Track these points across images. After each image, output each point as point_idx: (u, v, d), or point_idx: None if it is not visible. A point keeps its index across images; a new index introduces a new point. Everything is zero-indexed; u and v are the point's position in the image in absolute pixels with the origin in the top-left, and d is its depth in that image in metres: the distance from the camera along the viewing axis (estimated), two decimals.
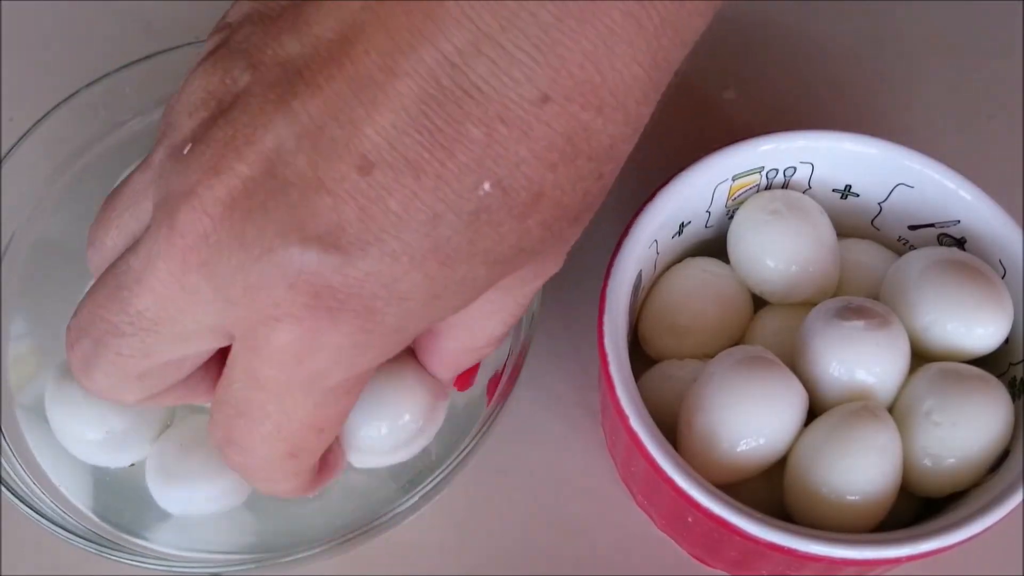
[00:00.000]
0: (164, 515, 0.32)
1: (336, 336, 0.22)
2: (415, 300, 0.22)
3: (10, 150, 0.35)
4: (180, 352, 0.24)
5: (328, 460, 0.28)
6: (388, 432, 0.29)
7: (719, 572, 0.35)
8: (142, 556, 0.31)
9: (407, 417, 0.29)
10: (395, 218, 0.21)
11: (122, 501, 0.33)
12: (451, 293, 0.22)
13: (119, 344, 0.24)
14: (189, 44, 0.38)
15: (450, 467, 0.31)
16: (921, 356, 0.32)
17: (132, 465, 0.33)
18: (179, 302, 0.23)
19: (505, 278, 0.24)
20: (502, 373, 0.32)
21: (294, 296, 0.21)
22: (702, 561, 0.35)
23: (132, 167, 0.34)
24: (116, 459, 0.32)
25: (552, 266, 0.25)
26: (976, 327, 0.32)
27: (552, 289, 0.38)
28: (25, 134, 0.36)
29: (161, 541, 0.33)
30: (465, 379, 0.30)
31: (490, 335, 0.27)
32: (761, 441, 0.30)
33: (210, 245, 0.22)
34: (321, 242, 0.21)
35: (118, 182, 0.34)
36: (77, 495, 0.33)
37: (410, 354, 0.29)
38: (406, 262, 0.21)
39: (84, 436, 0.32)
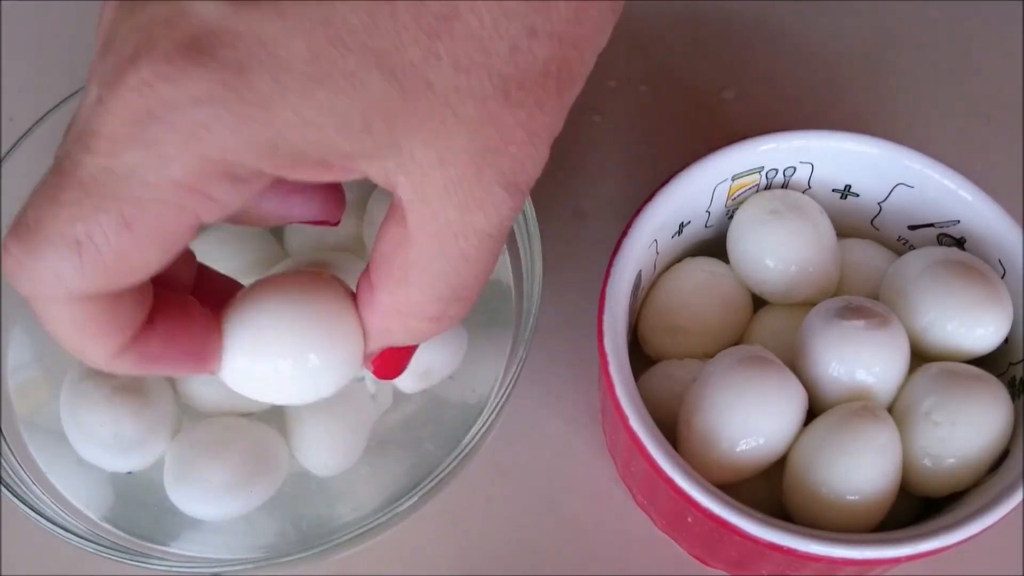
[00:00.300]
0: (174, 518, 0.32)
1: (197, 84, 0.20)
2: (291, 75, 0.20)
3: (10, 150, 0.36)
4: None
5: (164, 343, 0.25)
6: (291, 369, 0.26)
7: (719, 572, 0.35)
8: (142, 556, 0.31)
9: (312, 357, 0.26)
10: None
11: (135, 505, 0.33)
12: (333, 86, 0.20)
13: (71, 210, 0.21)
14: None
15: (450, 467, 0.31)
16: (921, 356, 0.32)
17: (129, 473, 0.33)
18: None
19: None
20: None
21: (168, 31, 0.20)
22: (702, 561, 0.35)
23: None
24: (122, 463, 0.32)
25: (527, 161, 0.23)
26: (976, 327, 0.32)
27: (552, 289, 0.38)
28: (25, 134, 0.36)
29: (164, 542, 0.33)
30: (389, 365, 0.27)
31: (429, 300, 0.24)
32: (761, 441, 0.30)
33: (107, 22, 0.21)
34: None
35: None
36: (87, 498, 0.33)
37: (351, 301, 0.27)
38: (292, 24, 0.20)
39: (94, 438, 0.32)
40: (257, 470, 0.32)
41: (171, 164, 0.21)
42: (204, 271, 0.29)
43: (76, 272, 0.21)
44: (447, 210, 0.23)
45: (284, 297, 0.26)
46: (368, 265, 0.26)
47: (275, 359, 0.26)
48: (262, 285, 0.27)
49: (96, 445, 0.32)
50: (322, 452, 0.33)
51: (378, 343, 0.27)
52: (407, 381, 0.34)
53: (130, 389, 0.32)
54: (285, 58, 0.20)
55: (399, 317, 0.25)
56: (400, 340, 0.26)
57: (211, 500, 0.31)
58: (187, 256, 0.28)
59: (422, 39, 0.20)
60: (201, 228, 0.23)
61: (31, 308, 0.23)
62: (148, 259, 0.22)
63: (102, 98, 0.21)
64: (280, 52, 0.20)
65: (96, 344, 0.23)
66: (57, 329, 0.23)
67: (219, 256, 0.35)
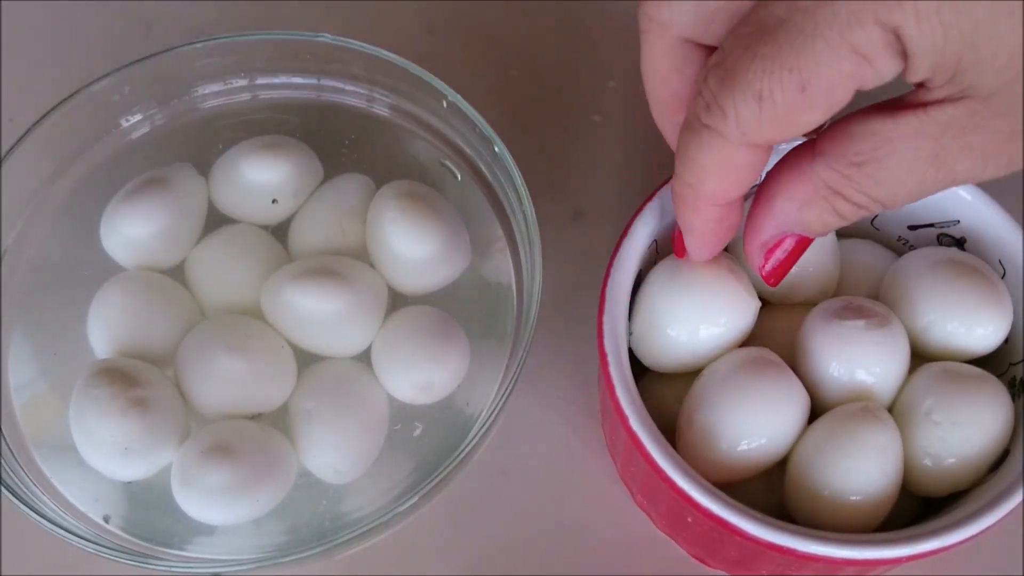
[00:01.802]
0: (176, 519, 0.32)
1: None
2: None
3: (10, 150, 0.36)
4: None
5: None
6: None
7: (719, 572, 0.35)
8: (143, 556, 0.31)
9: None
10: None
11: (136, 506, 0.33)
12: None
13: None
14: (189, 44, 0.38)
15: (450, 467, 0.31)
16: (921, 356, 0.32)
17: (128, 483, 0.33)
18: None
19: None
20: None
21: None
22: (702, 561, 0.35)
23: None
24: (130, 472, 0.32)
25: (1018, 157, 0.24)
26: (976, 327, 0.32)
27: (552, 289, 0.38)
28: (25, 134, 0.36)
29: (165, 543, 0.33)
30: (788, 264, 0.28)
31: (874, 194, 0.25)
32: (762, 442, 0.30)
33: None
34: None
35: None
36: (87, 498, 0.33)
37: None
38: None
39: (103, 446, 0.32)
40: (265, 475, 0.32)
41: (856, 28, 0.22)
42: None
43: (755, 120, 0.24)
44: (956, 142, 0.24)
45: None
46: (819, 136, 0.26)
47: None
48: None
49: (104, 453, 0.32)
50: (334, 457, 0.33)
51: (786, 219, 0.27)
52: (408, 393, 0.34)
53: (142, 400, 0.32)
54: None
55: (823, 193, 0.26)
56: (809, 219, 0.27)
57: (218, 505, 0.31)
58: None
59: None
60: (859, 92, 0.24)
61: (711, 140, 0.25)
62: (811, 120, 0.24)
63: None
64: None
65: (724, 188, 0.27)
66: (707, 161, 0.26)
67: (222, 259, 0.36)
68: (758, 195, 0.28)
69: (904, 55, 0.23)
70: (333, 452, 0.32)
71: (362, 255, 0.35)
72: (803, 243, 0.28)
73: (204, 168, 0.37)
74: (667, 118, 0.30)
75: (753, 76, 0.23)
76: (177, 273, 0.35)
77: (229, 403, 0.33)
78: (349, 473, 0.33)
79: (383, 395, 0.34)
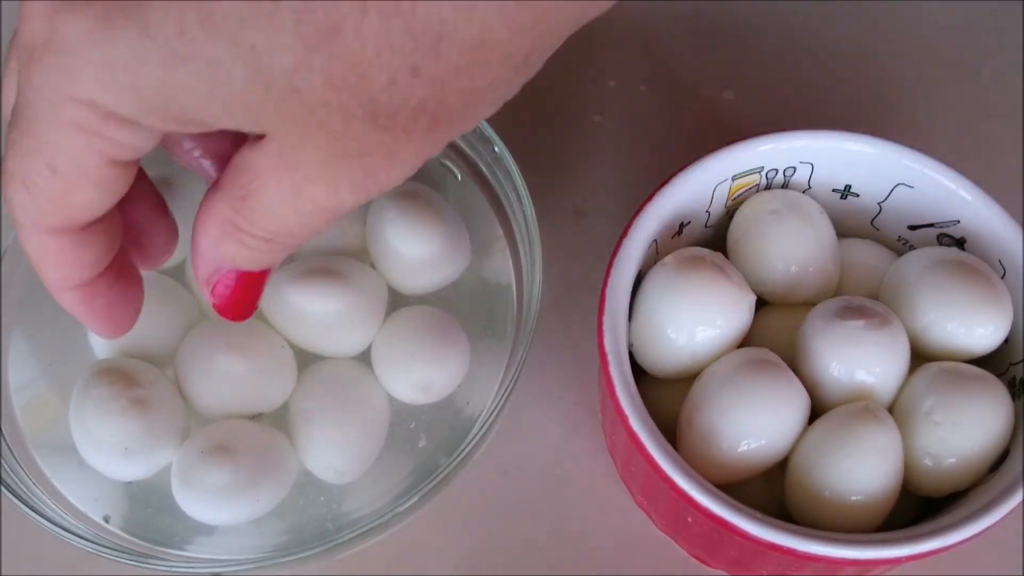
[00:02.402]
0: (176, 519, 0.32)
1: (74, 24, 0.20)
2: (155, 45, 0.20)
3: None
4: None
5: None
6: None
7: (719, 572, 0.35)
8: (143, 556, 0.31)
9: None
10: None
11: (137, 505, 0.33)
12: (194, 68, 0.20)
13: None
14: None
15: (450, 467, 0.31)
16: (921, 356, 0.32)
17: (129, 483, 0.33)
18: None
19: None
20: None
21: None
22: (702, 561, 0.35)
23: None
24: (130, 472, 0.32)
25: (381, 172, 0.23)
26: (976, 327, 0.32)
27: (552, 289, 0.38)
28: None
29: (165, 543, 0.33)
30: (233, 298, 0.27)
31: (257, 227, 0.24)
32: (762, 442, 0.30)
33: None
34: None
35: None
36: (88, 498, 0.33)
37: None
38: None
39: (103, 446, 0.32)
40: (265, 474, 0.32)
41: (62, 107, 0.21)
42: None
43: (33, 207, 0.23)
44: (296, 172, 0.23)
45: None
46: (224, 171, 0.25)
47: None
48: None
49: (104, 453, 0.32)
50: (334, 457, 0.33)
51: (211, 254, 0.26)
52: (408, 393, 0.34)
53: (142, 400, 0.32)
54: (153, 28, 0.20)
55: (225, 229, 0.25)
56: (229, 254, 0.26)
57: (218, 505, 0.31)
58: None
59: (298, 47, 0.20)
60: (129, 165, 0.23)
61: (19, 231, 0.24)
62: (88, 198, 0.23)
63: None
64: (150, 19, 0.20)
65: (53, 274, 0.25)
66: (29, 253, 0.25)
67: None
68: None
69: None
70: (333, 452, 0.32)
71: (362, 255, 0.35)
72: (249, 276, 0.27)
73: None
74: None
75: (14, 164, 0.23)
76: (177, 273, 0.35)
77: (229, 403, 0.33)
78: (349, 473, 0.33)
79: (383, 395, 0.34)
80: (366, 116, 0.21)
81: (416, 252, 0.34)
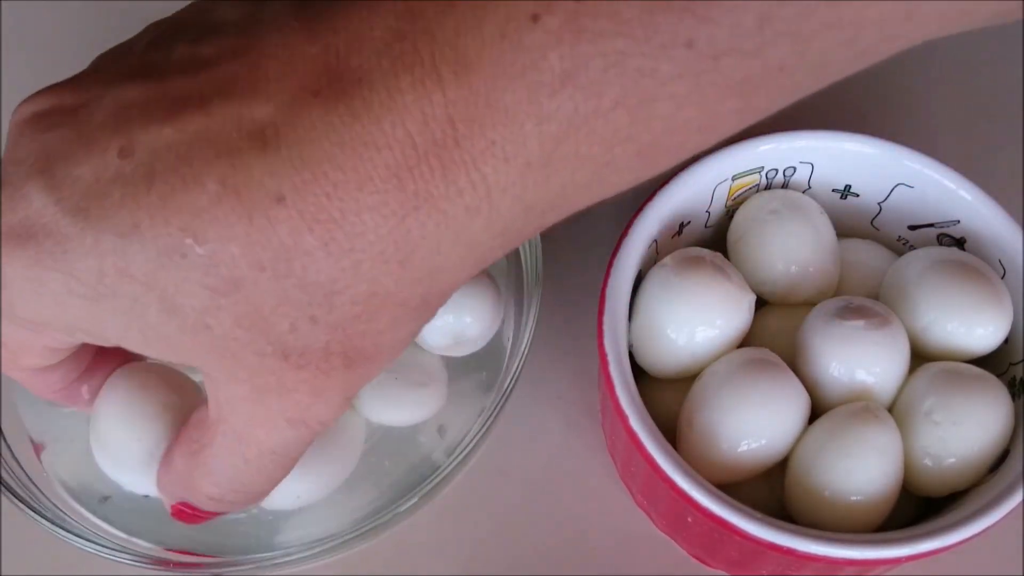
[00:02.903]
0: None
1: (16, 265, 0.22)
2: (82, 287, 0.22)
3: None
4: None
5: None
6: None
7: (719, 572, 0.35)
8: (143, 556, 0.31)
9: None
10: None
11: (137, 505, 0.33)
12: (112, 306, 0.22)
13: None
14: None
15: (450, 467, 0.31)
16: (921, 356, 0.32)
17: (147, 497, 0.33)
18: None
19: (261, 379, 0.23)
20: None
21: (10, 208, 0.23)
22: (702, 561, 0.35)
23: None
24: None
25: (313, 408, 0.24)
26: (976, 327, 0.32)
27: (552, 289, 0.38)
28: None
29: (165, 543, 0.33)
30: (186, 514, 0.28)
31: (210, 482, 0.26)
32: (762, 442, 0.30)
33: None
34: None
35: None
36: (88, 498, 0.33)
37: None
38: (90, 241, 0.22)
39: (126, 455, 0.30)
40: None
41: (8, 315, 0.24)
42: None
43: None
44: (234, 417, 0.24)
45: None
46: (184, 426, 0.27)
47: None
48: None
49: (128, 463, 0.30)
50: (294, 482, 0.32)
51: (169, 495, 0.27)
52: (442, 344, 0.33)
53: (170, 405, 0.30)
54: (77, 273, 0.22)
55: (183, 481, 0.27)
56: (187, 500, 0.27)
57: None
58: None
59: (205, 293, 0.21)
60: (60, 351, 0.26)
61: None
62: (35, 363, 0.26)
63: None
64: (75, 266, 0.22)
65: (33, 390, 0.29)
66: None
67: None
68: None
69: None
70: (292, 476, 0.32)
71: None
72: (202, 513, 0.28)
73: None
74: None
75: None
76: None
77: None
78: (306, 498, 0.32)
79: (359, 424, 0.33)
80: (276, 354, 0.22)
81: None
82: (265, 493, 0.26)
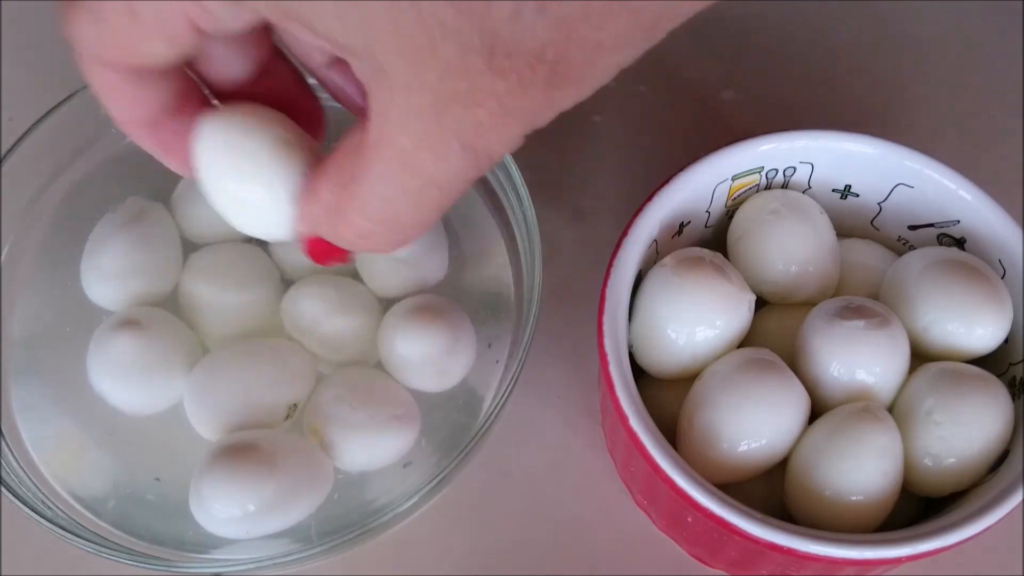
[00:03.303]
0: (177, 519, 0.32)
1: None
2: None
3: (10, 150, 0.35)
4: None
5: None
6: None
7: (719, 572, 0.35)
8: (142, 556, 0.31)
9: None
10: None
11: (137, 505, 0.33)
12: None
13: None
14: None
15: (450, 467, 0.31)
16: (921, 356, 0.32)
17: (157, 479, 0.33)
18: None
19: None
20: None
21: None
22: (702, 561, 0.35)
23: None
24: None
25: (492, 133, 0.22)
26: (976, 327, 0.32)
27: (552, 289, 0.38)
28: (25, 134, 0.36)
29: (165, 543, 0.33)
30: (321, 251, 0.26)
31: (361, 215, 0.24)
32: (762, 442, 0.30)
33: None
34: None
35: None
36: (88, 498, 0.33)
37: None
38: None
39: (249, 209, 0.28)
40: (298, 492, 0.32)
41: None
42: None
43: (95, 40, 0.23)
44: (402, 137, 0.22)
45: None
46: (329, 154, 0.25)
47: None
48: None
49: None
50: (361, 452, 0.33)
51: (310, 229, 0.26)
52: (431, 382, 0.34)
53: (286, 140, 0.27)
54: None
55: (330, 215, 0.25)
56: (327, 236, 0.25)
57: (245, 522, 0.31)
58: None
59: None
60: (205, 35, 0.23)
61: (86, 67, 0.25)
62: (155, 49, 0.24)
63: None
64: None
65: (115, 110, 0.26)
66: (90, 84, 0.25)
67: (213, 271, 0.35)
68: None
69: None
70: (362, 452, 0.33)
71: (357, 275, 0.36)
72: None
73: None
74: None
75: None
76: (167, 304, 0.35)
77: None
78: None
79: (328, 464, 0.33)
80: (483, 48, 0.20)
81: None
82: (413, 237, 0.24)
